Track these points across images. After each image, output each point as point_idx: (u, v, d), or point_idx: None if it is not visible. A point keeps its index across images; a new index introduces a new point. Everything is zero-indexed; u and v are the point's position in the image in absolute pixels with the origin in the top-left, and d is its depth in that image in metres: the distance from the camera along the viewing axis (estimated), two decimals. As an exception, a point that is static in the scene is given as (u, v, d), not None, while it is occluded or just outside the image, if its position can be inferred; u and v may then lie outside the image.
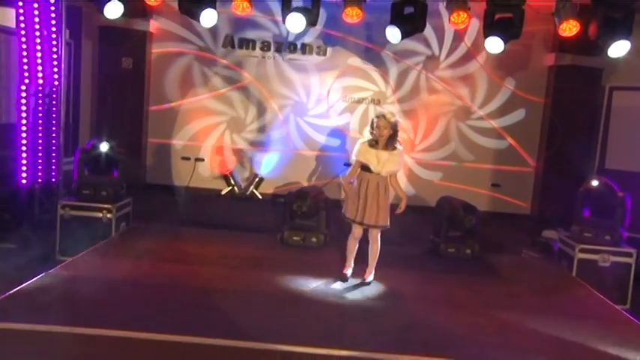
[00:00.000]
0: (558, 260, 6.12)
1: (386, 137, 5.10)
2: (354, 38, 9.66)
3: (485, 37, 7.09)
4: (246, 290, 4.89)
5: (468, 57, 9.80)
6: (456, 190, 9.86)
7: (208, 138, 10.03)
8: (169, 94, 9.94)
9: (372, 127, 5.18)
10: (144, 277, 5.02)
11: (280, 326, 4.12)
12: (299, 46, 9.77)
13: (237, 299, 4.68)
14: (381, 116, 5.13)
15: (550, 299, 5.22)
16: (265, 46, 9.82)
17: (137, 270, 5.14)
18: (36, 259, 5.72)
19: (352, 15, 6.74)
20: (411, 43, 9.49)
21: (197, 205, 9.04)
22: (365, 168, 5.22)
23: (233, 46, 9.85)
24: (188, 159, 9.94)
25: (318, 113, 9.93)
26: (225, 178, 9.93)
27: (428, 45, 9.78)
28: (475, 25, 8.80)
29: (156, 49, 9.83)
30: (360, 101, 9.92)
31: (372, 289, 5.20)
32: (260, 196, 9.73)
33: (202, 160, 9.96)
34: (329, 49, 9.80)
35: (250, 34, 9.79)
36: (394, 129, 5.12)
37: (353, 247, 5.38)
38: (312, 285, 5.20)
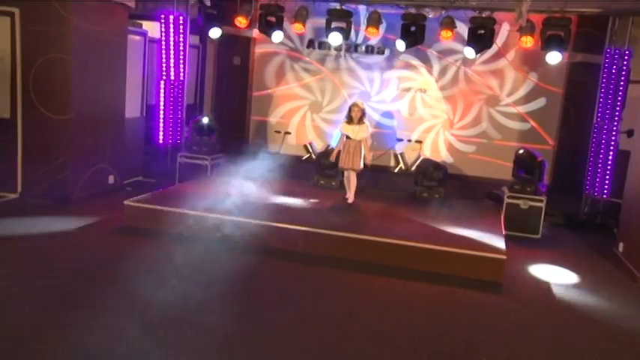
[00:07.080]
0: (502, 205, 8.58)
1: (358, 117, 8.02)
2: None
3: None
4: (282, 208, 8.16)
5: (498, 55, 12.10)
6: (485, 162, 12.30)
7: (295, 116, 13.27)
8: (267, 83, 13.33)
9: (349, 111, 8.08)
10: (216, 192, 8.51)
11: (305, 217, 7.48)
12: (364, 47, 12.67)
13: (275, 209, 7.98)
14: (355, 105, 8.06)
15: (465, 219, 7.92)
16: (339, 47, 12.80)
17: (214, 190, 8.65)
18: (164, 186, 9.36)
19: (372, 33, 9.51)
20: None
21: (281, 166, 12.32)
22: (347, 137, 8.16)
23: (314, 47, 12.98)
24: (279, 132, 13.27)
25: (378, 99, 12.76)
26: (306, 148, 13.17)
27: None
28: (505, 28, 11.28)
29: (258, 50, 13.28)
30: (408, 89, 12.61)
31: (353, 206, 8.21)
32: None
33: (290, 133, 13.24)
34: (387, 50, 12.59)
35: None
36: (363, 112, 8.03)
37: (347, 183, 8.38)
38: (328, 203, 8.39)
